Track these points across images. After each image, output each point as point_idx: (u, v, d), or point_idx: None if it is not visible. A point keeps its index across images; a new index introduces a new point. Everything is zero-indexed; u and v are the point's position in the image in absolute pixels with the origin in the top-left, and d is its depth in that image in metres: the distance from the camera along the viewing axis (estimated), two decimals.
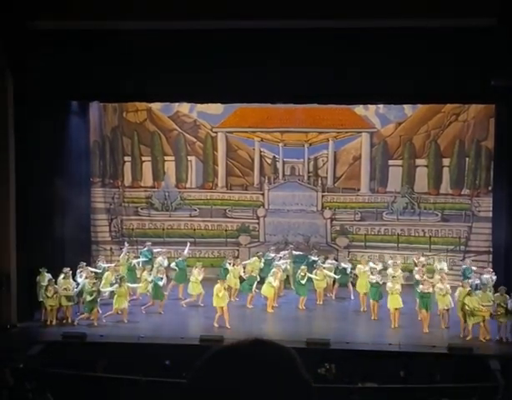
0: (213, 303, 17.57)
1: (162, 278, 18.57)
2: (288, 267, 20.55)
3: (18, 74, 17.13)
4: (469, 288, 17.13)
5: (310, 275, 19.16)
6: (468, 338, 16.68)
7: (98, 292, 17.77)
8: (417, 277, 18.60)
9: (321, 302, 19.69)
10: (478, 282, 18.23)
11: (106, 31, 16.74)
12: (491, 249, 21.21)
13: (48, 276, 18.04)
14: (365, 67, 16.83)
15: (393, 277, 18.13)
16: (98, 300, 17.82)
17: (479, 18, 15.63)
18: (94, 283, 17.79)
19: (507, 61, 15.88)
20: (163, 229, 23.33)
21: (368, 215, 22.80)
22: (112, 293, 18.13)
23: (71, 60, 16.96)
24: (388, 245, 22.51)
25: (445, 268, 19.79)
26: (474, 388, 13.39)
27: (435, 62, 16.55)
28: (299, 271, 19.23)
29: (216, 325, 17.42)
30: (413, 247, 22.09)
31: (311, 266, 19.79)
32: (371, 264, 19.62)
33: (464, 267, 20.05)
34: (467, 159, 22.00)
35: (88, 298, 17.57)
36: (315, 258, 20.32)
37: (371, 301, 18.40)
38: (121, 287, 17.71)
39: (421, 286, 17.63)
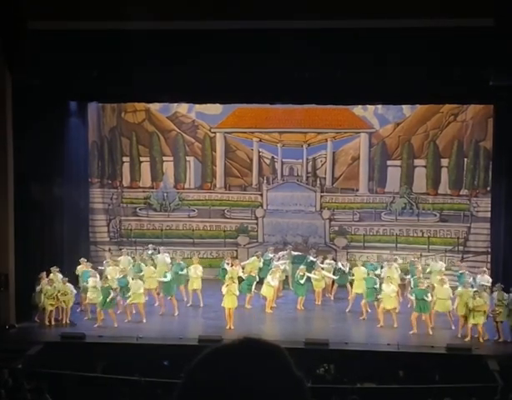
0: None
1: (169, 274, 18.69)
2: (287, 267, 20.55)
3: (17, 74, 17.12)
4: (471, 289, 17.07)
5: (309, 274, 19.16)
6: (467, 339, 16.68)
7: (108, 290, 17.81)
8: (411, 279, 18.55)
9: (319, 303, 19.68)
10: (471, 281, 18.20)
11: (105, 31, 16.74)
12: (489, 249, 21.21)
13: (60, 275, 18.11)
14: (364, 67, 16.85)
15: (387, 277, 18.04)
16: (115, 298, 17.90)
17: (477, 19, 15.64)
18: (106, 279, 17.87)
19: (505, 61, 15.91)
20: (162, 230, 23.33)
21: (367, 215, 22.81)
22: (123, 292, 18.18)
23: (70, 60, 16.96)
24: (386, 245, 22.51)
25: (443, 269, 19.57)
26: (473, 389, 13.40)
27: (434, 62, 16.57)
28: (298, 271, 19.24)
29: None
30: (411, 247, 22.10)
31: (310, 266, 19.79)
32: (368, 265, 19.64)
33: (459, 272, 19.76)
34: (465, 159, 22.02)
35: (111, 295, 17.56)
36: (313, 259, 20.33)
37: (363, 301, 18.38)
38: (136, 282, 17.87)
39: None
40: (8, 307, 17.74)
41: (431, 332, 17.12)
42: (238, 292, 17.68)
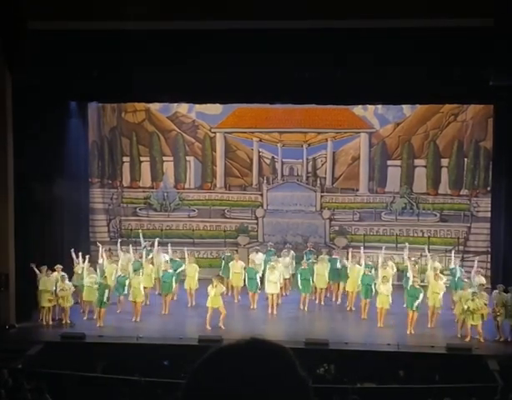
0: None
1: (169, 271, 18.74)
2: (290, 267, 20.45)
3: (17, 74, 17.12)
4: (470, 290, 17.09)
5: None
6: (467, 339, 16.68)
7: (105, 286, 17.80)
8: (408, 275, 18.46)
9: (322, 303, 19.59)
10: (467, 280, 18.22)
11: (105, 31, 16.74)
12: (489, 249, 21.22)
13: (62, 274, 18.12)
14: (364, 67, 16.84)
15: (383, 276, 18.03)
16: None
17: (477, 19, 15.64)
18: (105, 277, 17.90)
19: (505, 61, 15.90)
20: (162, 230, 23.31)
21: (367, 215, 22.81)
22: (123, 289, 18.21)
23: (70, 60, 16.96)
24: (386, 245, 22.45)
25: (439, 267, 19.58)
26: (473, 389, 13.39)
27: (434, 62, 16.57)
28: (301, 265, 19.26)
29: None
30: (411, 247, 22.04)
31: (309, 258, 19.86)
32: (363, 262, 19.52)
33: (451, 267, 19.78)
34: (466, 159, 22.02)
35: (106, 294, 17.58)
36: (312, 249, 20.60)
37: (362, 300, 18.40)
38: (137, 278, 17.88)
39: (410, 281, 17.61)
40: (8, 307, 17.74)
41: (412, 331, 17.12)
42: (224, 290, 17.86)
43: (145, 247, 21.04)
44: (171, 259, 19.86)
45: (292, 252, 21.05)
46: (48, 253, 19.18)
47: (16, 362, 15.14)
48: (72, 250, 19.14)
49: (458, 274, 18.89)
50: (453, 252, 21.05)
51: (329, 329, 17.76)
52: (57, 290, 17.76)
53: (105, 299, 17.55)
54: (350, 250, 20.74)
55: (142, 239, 21.08)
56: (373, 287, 18.11)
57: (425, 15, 15.72)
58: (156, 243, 20.53)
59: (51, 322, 17.93)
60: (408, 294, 17.51)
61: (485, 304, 16.63)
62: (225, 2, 16.36)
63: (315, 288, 19.56)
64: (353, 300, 18.98)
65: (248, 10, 15.98)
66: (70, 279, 18.35)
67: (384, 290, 17.53)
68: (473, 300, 16.58)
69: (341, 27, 16.30)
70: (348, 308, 19.03)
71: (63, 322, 17.92)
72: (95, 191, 23.08)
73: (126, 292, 18.27)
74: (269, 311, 18.63)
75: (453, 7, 15.58)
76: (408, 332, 17.18)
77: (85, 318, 18.15)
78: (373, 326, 17.84)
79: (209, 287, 17.44)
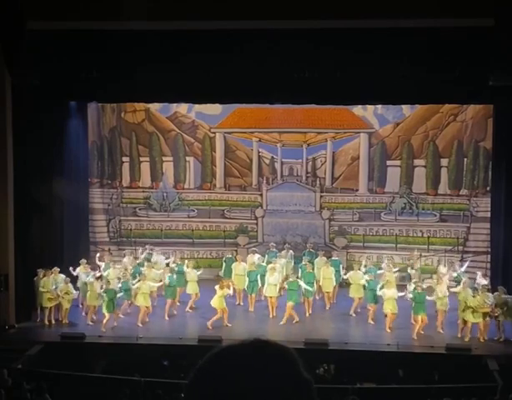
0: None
1: (171, 276, 18.61)
2: (285, 267, 20.37)
3: (17, 74, 17.12)
4: (470, 289, 17.07)
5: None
6: (466, 339, 16.68)
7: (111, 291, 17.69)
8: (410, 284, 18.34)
9: (328, 307, 19.40)
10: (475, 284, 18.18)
11: (105, 31, 16.75)
12: (489, 249, 21.20)
13: (62, 275, 18.02)
14: (364, 67, 16.85)
15: (387, 281, 17.94)
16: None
17: (477, 19, 15.65)
18: (108, 282, 17.81)
19: (505, 61, 15.91)
20: (161, 230, 23.32)
21: (367, 215, 22.80)
22: (127, 292, 18.13)
23: (70, 60, 16.97)
24: (386, 245, 22.50)
25: (444, 270, 19.57)
26: (473, 388, 13.40)
27: (434, 62, 16.58)
28: (303, 263, 19.15)
29: None
30: (411, 247, 22.07)
31: (310, 258, 19.79)
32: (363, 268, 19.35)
33: (457, 273, 19.68)
34: (465, 159, 22.02)
35: (106, 298, 17.42)
36: (312, 250, 20.52)
37: (370, 305, 18.33)
38: (143, 283, 17.80)
39: (413, 286, 17.54)
40: (8, 307, 17.74)
41: (422, 331, 17.09)
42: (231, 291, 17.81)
43: (145, 253, 20.99)
44: (176, 264, 19.75)
45: (290, 252, 21.05)
46: (48, 253, 19.18)
47: (16, 362, 15.14)
48: (71, 268, 18.86)
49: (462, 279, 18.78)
50: (457, 258, 20.93)
51: (329, 329, 17.76)
52: (59, 290, 17.71)
53: (112, 303, 17.48)
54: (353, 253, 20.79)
55: (140, 251, 20.95)
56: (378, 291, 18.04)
57: (425, 15, 15.72)
58: (154, 252, 20.52)
59: (53, 322, 17.89)
60: (414, 300, 17.30)
61: (485, 302, 16.60)
62: (225, 2, 16.37)
63: (320, 291, 19.53)
64: (358, 304, 18.87)
65: (248, 10, 15.99)
66: (75, 285, 18.36)
67: (390, 294, 17.41)
68: (474, 297, 16.59)
69: (341, 27, 16.30)
70: (352, 312, 18.86)
71: (62, 321, 17.89)
72: (95, 191, 23.07)
73: (131, 296, 18.18)
74: (269, 312, 18.58)
75: (453, 7, 15.59)
76: (421, 332, 17.10)
77: (90, 323, 17.90)
78: (372, 326, 17.84)
79: (216, 287, 17.49)
